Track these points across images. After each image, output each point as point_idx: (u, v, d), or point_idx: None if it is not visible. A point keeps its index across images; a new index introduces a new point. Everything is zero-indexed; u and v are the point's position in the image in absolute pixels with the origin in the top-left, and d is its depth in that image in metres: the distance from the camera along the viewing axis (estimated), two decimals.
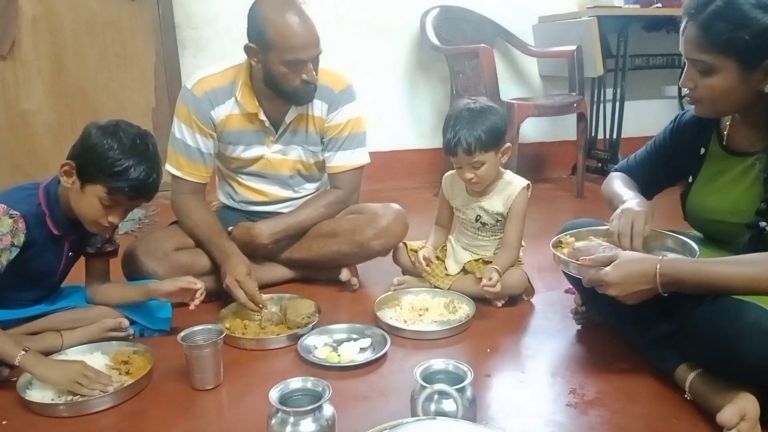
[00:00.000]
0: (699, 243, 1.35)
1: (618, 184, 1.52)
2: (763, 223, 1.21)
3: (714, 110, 1.29)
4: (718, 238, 1.35)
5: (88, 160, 1.36)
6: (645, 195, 1.45)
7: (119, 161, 1.35)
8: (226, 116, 1.83)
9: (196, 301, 1.55)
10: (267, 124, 1.86)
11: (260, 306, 1.66)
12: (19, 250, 1.36)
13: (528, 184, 1.77)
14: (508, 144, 1.74)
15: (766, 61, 1.15)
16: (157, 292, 1.56)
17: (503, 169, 1.80)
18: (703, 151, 1.39)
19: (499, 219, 1.79)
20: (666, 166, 1.49)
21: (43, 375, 1.31)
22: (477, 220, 1.81)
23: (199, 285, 1.55)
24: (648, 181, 1.52)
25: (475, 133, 1.65)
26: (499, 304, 1.76)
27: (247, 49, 1.74)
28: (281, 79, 1.73)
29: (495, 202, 1.77)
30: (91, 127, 1.39)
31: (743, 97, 1.21)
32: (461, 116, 1.68)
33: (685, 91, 1.28)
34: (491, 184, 1.77)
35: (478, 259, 1.82)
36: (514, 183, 1.77)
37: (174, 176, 1.87)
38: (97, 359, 1.43)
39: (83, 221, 1.43)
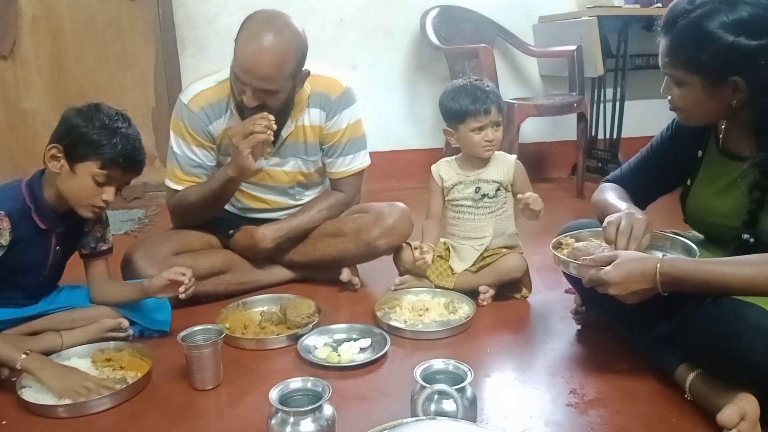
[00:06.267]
0: (699, 244, 1.35)
1: (611, 195, 1.48)
2: (745, 236, 1.21)
3: (692, 119, 1.31)
4: (718, 239, 1.34)
5: (76, 139, 1.37)
6: (638, 205, 1.44)
7: (107, 134, 1.38)
8: (224, 129, 1.82)
9: (189, 291, 1.50)
10: None
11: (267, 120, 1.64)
12: (5, 249, 1.36)
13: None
14: None
15: (731, 79, 1.15)
16: (150, 290, 1.53)
17: None
18: (700, 153, 1.38)
19: (498, 188, 1.80)
20: (664, 170, 1.47)
21: (45, 380, 1.31)
22: (477, 192, 1.81)
23: (188, 275, 1.50)
24: (643, 189, 1.50)
25: (496, 93, 1.77)
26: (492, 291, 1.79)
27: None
28: (233, 83, 1.73)
29: (492, 171, 1.81)
30: (69, 111, 1.42)
31: (715, 109, 1.23)
32: (472, 84, 1.76)
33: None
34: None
35: (486, 257, 1.80)
36: (506, 155, 1.86)
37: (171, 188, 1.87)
38: (81, 363, 1.44)
39: (76, 205, 1.42)
